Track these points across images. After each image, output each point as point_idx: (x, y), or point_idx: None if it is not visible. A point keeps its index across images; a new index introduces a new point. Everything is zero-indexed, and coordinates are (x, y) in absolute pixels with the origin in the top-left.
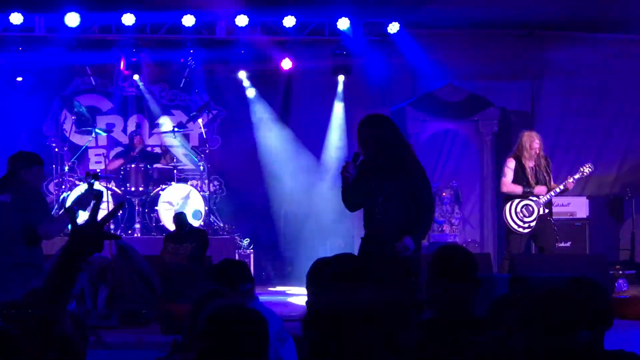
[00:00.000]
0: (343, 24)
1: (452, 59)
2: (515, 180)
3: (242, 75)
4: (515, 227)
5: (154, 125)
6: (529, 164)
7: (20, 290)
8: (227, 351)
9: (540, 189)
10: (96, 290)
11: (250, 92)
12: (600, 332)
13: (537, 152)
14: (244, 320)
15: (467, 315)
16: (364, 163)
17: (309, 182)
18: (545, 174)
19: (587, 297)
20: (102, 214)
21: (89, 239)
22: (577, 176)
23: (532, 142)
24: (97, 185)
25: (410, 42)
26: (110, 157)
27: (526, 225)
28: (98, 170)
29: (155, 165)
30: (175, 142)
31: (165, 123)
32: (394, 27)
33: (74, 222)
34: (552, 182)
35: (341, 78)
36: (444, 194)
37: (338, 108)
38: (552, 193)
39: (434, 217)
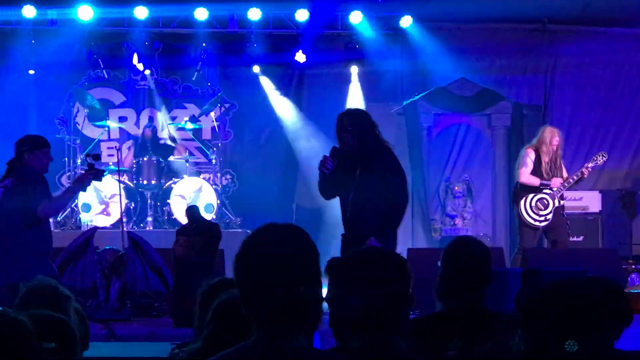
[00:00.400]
0: (356, 17)
1: (465, 52)
2: (532, 173)
3: (256, 69)
4: (531, 220)
5: (166, 118)
6: (546, 159)
7: (19, 274)
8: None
9: (556, 180)
10: (108, 284)
11: (263, 86)
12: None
13: (556, 148)
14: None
15: (480, 309)
16: (341, 156)
17: (317, 176)
18: (558, 171)
19: (606, 297)
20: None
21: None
22: (591, 164)
23: (553, 137)
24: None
25: (422, 36)
26: (123, 151)
27: (542, 218)
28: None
29: (168, 159)
30: (187, 135)
31: (178, 116)
32: (406, 21)
33: None
34: (557, 176)
35: (354, 69)
36: (456, 187)
37: (354, 98)
38: (566, 184)
39: (404, 214)
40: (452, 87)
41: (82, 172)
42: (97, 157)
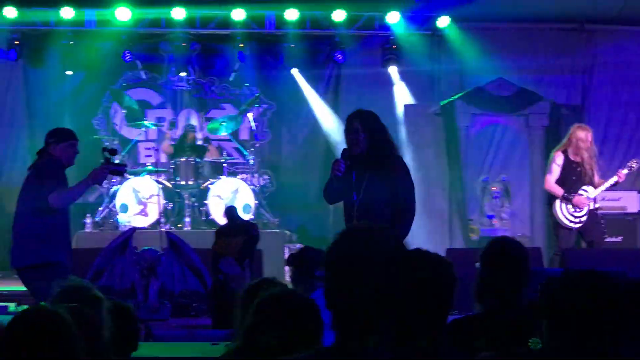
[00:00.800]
0: (393, 17)
1: (502, 52)
2: (563, 176)
3: (294, 69)
4: (567, 222)
5: (204, 119)
6: (578, 158)
7: (31, 259)
8: (278, 336)
9: (580, 199)
10: (147, 284)
11: (301, 86)
12: None
13: (589, 145)
14: (294, 306)
15: (519, 310)
16: (350, 158)
17: None
18: (592, 169)
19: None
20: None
21: None
22: (625, 171)
23: (587, 135)
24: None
25: (460, 36)
26: (161, 151)
27: (577, 220)
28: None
29: (205, 159)
30: (224, 136)
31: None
32: (444, 21)
33: None
34: (597, 177)
35: (394, 69)
36: (493, 188)
37: (400, 97)
38: (599, 191)
39: (413, 219)
40: (489, 87)
41: (128, 176)
42: (114, 151)
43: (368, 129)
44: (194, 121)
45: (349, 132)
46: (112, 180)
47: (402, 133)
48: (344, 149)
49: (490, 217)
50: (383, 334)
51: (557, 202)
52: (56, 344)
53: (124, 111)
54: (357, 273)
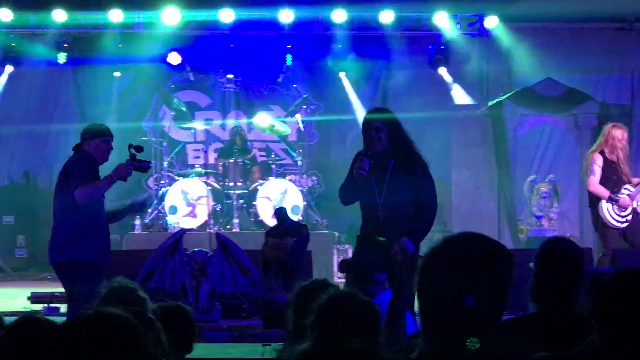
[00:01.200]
0: (440, 18)
1: (550, 52)
2: (604, 177)
3: (342, 74)
4: (614, 222)
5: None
6: (615, 157)
7: (59, 256)
8: (339, 339)
9: (625, 200)
10: (198, 285)
11: (348, 88)
12: None
13: (624, 144)
14: (355, 309)
15: (574, 310)
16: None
17: None
18: (626, 167)
19: None
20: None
21: None
22: None
23: (623, 134)
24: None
25: (507, 36)
26: (209, 152)
27: (623, 219)
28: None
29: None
30: (273, 137)
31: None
32: (491, 21)
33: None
34: (631, 177)
35: (442, 70)
36: (542, 188)
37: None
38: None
39: (434, 217)
40: (537, 87)
41: (177, 177)
42: (140, 148)
43: (388, 126)
44: (243, 124)
45: (369, 129)
46: (161, 183)
47: (451, 133)
48: (360, 151)
49: (539, 217)
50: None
51: (603, 202)
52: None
53: (173, 113)
54: (453, 279)
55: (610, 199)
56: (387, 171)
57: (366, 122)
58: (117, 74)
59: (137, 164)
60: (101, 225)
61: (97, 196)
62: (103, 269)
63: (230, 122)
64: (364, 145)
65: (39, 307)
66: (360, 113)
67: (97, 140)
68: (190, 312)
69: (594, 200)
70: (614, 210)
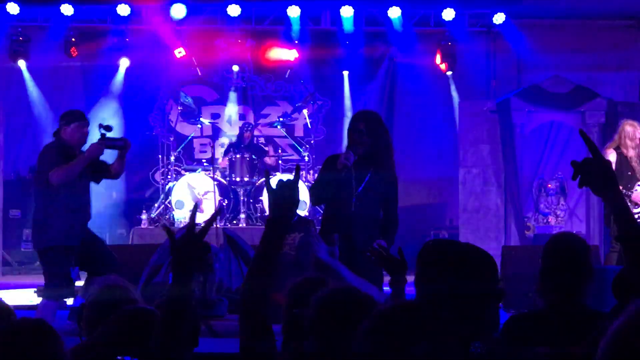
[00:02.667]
0: (448, 14)
1: (558, 49)
2: (618, 173)
3: (345, 73)
4: None
5: (259, 116)
6: (630, 154)
7: (36, 244)
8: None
9: (637, 195)
10: (205, 280)
11: (346, 88)
12: None
13: (637, 142)
14: (355, 304)
15: (581, 307)
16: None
17: (409, 172)
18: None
19: None
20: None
21: (190, 253)
22: None
23: (635, 131)
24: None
25: (515, 33)
26: (216, 148)
27: (636, 216)
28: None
29: (261, 159)
30: (280, 133)
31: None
32: (499, 18)
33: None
34: None
35: (450, 67)
36: (549, 185)
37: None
38: None
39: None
40: (545, 84)
41: (183, 172)
42: (109, 128)
43: (371, 131)
44: (249, 118)
45: (353, 131)
46: (168, 177)
47: (458, 130)
48: (347, 148)
49: (546, 214)
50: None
51: None
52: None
53: (180, 108)
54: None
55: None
56: (366, 173)
57: (351, 124)
58: (124, 65)
59: (108, 143)
60: (76, 210)
61: (71, 176)
62: (76, 250)
63: (230, 111)
64: (348, 144)
65: None
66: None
67: (72, 126)
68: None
69: None
70: None
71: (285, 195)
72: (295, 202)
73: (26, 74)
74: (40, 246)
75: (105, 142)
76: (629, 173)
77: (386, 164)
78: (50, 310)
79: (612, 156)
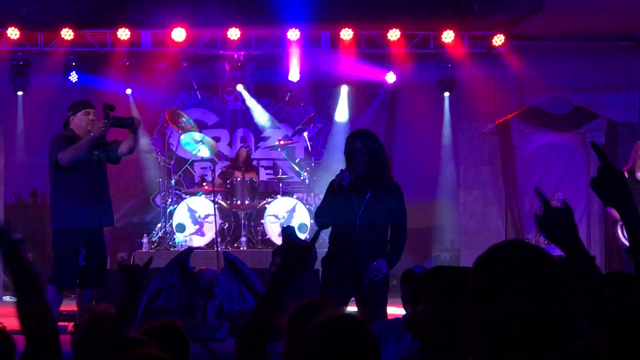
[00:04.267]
0: (448, 36)
1: (558, 70)
2: None
3: (345, 89)
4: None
5: (259, 139)
6: None
7: (50, 222)
8: None
9: None
10: (205, 304)
11: (355, 106)
12: None
13: None
14: (349, 335)
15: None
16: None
17: (409, 194)
18: None
19: None
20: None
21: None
22: None
23: None
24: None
25: (515, 54)
26: (217, 172)
27: None
28: None
29: (261, 179)
30: (280, 156)
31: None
32: (499, 40)
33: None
34: None
35: (449, 88)
36: None
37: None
38: None
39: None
40: (545, 106)
41: (185, 195)
42: (112, 107)
43: (369, 148)
44: (251, 142)
45: (351, 151)
46: (168, 201)
47: (458, 151)
48: (342, 169)
49: None
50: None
51: (619, 227)
52: None
53: (180, 131)
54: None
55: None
56: (365, 192)
57: (347, 142)
58: (128, 91)
59: (113, 122)
60: (85, 193)
61: (79, 155)
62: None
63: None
64: (346, 164)
65: None
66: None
67: (78, 115)
68: (182, 327)
69: (614, 223)
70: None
71: (299, 255)
72: (307, 264)
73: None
74: (51, 229)
75: (109, 122)
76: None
77: (385, 181)
78: (52, 294)
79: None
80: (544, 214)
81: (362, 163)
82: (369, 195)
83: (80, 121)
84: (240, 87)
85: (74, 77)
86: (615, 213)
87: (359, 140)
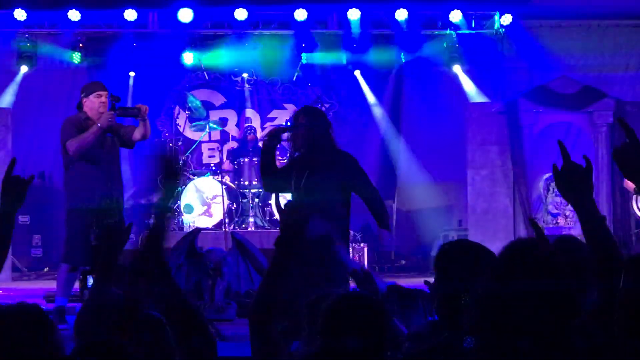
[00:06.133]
0: (455, 16)
1: (566, 50)
2: None
3: (356, 70)
4: None
5: (265, 119)
6: None
7: (68, 203)
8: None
9: None
10: (213, 284)
11: (362, 86)
12: None
13: None
14: (360, 311)
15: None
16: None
17: (417, 174)
18: None
19: None
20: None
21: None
22: None
23: None
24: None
25: (523, 34)
26: (224, 152)
27: None
28: None
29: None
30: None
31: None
32: (506, 19)
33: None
34: None
35: (457, 68)
36: None
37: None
38: None
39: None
40: (553, 85)
41: (192, 177)
42: (117, 98)
43: (312, 126)
44: (255, 122)
45: (292, 127)
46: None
47: (466, 132)
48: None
49: (555, 215)
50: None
51: (634, 200)
52: None
53: (187, 112)
54: None
55: (636, 190)
56: (305, 171)
57: (293, 119)
58: (132, 73)
59: (120, 112)
60: (96, 177)
61: (86, 146)
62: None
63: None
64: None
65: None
66: (377, 111)
67: (90, 97)
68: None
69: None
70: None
71: (295, 216)
72: (306, 221)
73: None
74: (65, 209)
75: (115, 112)
76: None
77: (330, 159)
78: (64, 273)
79: None
80: (563, 167)
81: (304, 139)
82: (307, 174)
83: (92, 103)
84: (245, 75)
85: (77, 58)
86: (628, 185)
87: (304, 116)
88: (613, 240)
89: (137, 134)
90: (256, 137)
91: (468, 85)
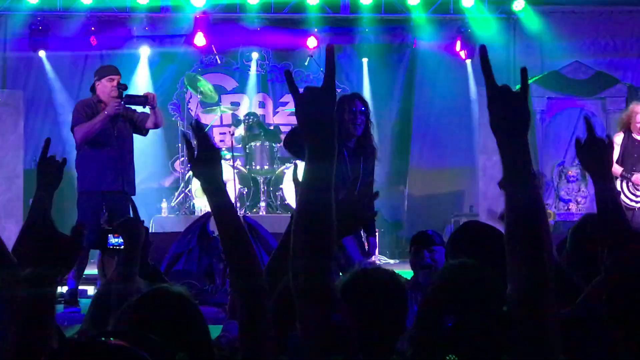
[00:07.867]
0: (467, 1)
1: (578, 35)
2: (624, 155)
3: (365, 60)
4: (627, 201)
5: (277, 104)
6: (638, 137)
7: (78, 186)
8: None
9: (637, 177)
10: (225, 268)
11: (372, 70)
12: None
13: None
14: (379, 285)
15: None
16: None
17: (429, 159)
18: None
19: None
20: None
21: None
22: None
23: (637, 114)
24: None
25: (535, 19)
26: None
27: (638, 199)
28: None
29: (279, 144)
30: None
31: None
32: (519, 4)
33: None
34: None
35: (466, 60)
36: (569, 172)
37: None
38: None
39: None
40: (565, 71)
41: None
42: (125, 86)
43: (367, 113)
44: (268, 106)
45: (350, 112)
46: (188, 166)
47: (478, 117)
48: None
49: (567, 201)
50: None
51: (617, 182)
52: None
53: (199, 96)
54: None
55: (622, 176)
56: (360, 156)
57: (348, 103)
58: (143, 57)
59: (127, 100)
60: (105, 161)
61: (92, 133)
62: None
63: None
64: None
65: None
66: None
67: (103, 81)
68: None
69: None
70: (628, 190)
71: (319, 106)
72: (333, 120)
73: (47, 66)
74: (77, 191)
75: (123, 100)
76: (635, 156)
77: (373, 148)
78: None
79: (618, 138)
80: (586, 141)
81: (361, 126)
82: (363, 159)
83: (104, 87)
84: (255, 55)
85: (92, 41)
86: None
87: (361, 102)
88: (624, 214)
89: (150, 123)
90: (260, 121)
91: (479, 71)
